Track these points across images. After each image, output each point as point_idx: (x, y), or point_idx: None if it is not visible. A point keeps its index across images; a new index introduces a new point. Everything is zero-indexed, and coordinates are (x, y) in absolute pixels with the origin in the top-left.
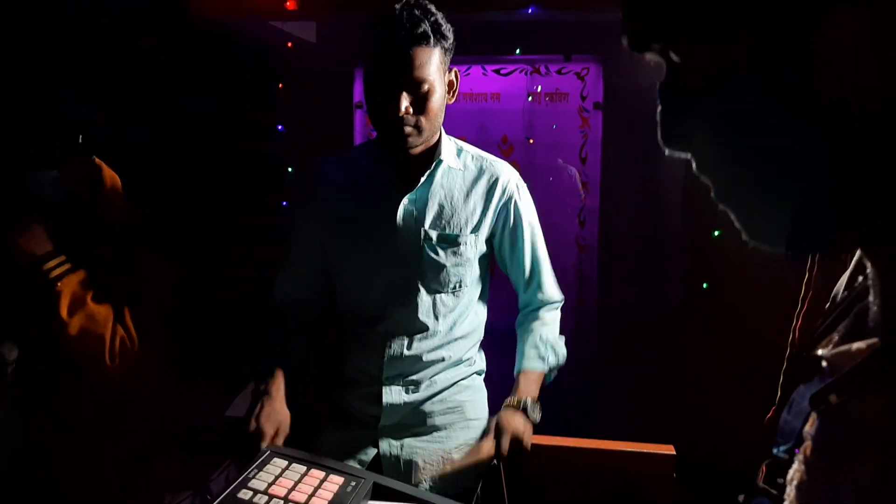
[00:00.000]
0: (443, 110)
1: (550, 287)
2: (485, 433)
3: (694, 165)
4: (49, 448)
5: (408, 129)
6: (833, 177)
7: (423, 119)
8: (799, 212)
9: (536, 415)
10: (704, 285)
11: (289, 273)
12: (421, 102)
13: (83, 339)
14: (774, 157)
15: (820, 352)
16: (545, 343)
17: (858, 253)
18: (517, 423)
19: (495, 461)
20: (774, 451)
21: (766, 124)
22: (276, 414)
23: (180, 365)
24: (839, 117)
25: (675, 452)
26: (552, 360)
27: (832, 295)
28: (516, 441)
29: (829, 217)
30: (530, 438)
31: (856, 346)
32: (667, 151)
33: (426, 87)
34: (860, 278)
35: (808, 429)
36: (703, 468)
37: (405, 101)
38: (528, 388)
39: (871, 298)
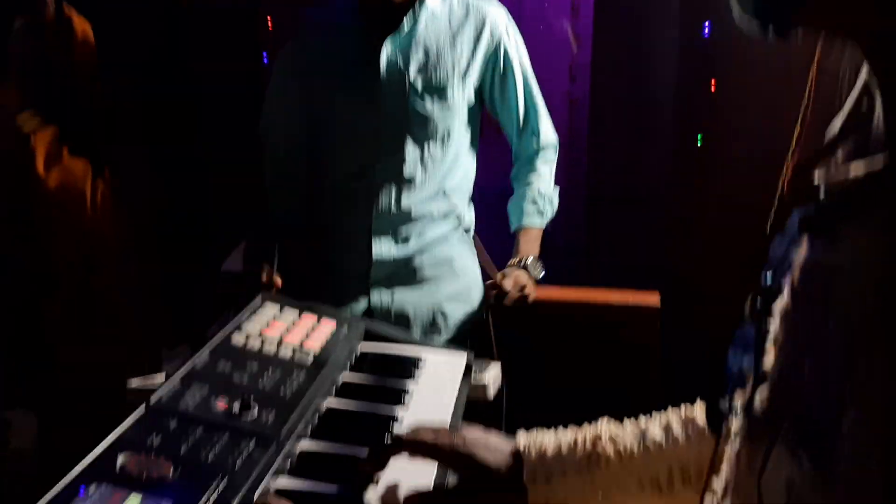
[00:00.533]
0: None
1: (546, 130)
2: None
3: None
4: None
5: None
6: None
7: None
8: None
9: (538, 272)
10: (699, 140)
11: (274, 131)
12: None
13: (62, 194)
14: None
15: (816, 175)
16: (543, 197)
17: (855, 95)
18: (520, 276)
19: (493, 302)
20: (762, 278)
21: None
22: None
23: (170, 226)
24: None
25: (659, 299)
26: (550, 214)
27: (826, 140)
28: (520, 291)
29: None
30: (534, 291)
31: (853, 166)
32: None
33: None
34: (865, 101)
35: (798, 255)
36: (688, 315)
37: None
38: (530, 247)
39: (874, 121)
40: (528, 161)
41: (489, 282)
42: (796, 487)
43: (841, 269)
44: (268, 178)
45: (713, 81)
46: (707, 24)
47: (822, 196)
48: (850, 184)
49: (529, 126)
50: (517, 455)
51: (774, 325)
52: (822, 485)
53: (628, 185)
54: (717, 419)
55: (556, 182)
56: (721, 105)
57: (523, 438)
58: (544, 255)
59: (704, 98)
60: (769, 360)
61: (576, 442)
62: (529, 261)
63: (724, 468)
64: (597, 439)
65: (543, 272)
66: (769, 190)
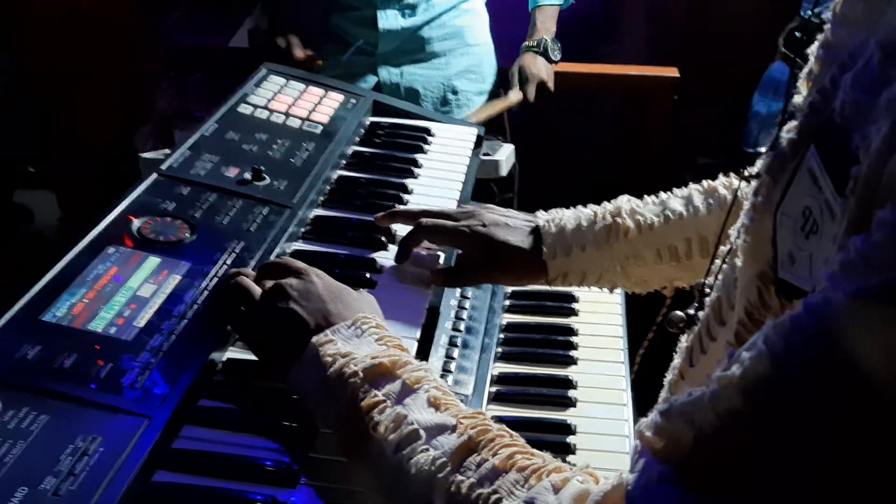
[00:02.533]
0: None
1: None
2: (501, 81)
3: None
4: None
5: None
6: None
7: None
8: None
9: (557, 54)
10: None
11: None
12: None
13: None
14: None
15: None
16: None
17: None
18: (540, 69)
19: (522, 107)
20: (801, 13)
21: None
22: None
23: None
24: None
25: (678, 74)
26: None
27: None
28: (541, 85)
29: None
30: (552, 80)
31: None
32: None
33: None
34: None
35: None
36: (703, 91)
37: None
38: (546, 26)
39: None
40: None
41: (510, 91)
42: (813, 214)
43: None
44: None
45: None
46: None
47: None
48: None
49: None
50: (537, 232)
51: (810, 60)
52: (840, 208)
53: None
54: (739, 164)
55: None
56: None
57: (543, 216)
58: (563, 34)
59: None
60: (800, 98)
61: (595, 216)
62: (547, 44)
63: (741, 212)
64: (616, 213)
65: (561, 54)
66: None
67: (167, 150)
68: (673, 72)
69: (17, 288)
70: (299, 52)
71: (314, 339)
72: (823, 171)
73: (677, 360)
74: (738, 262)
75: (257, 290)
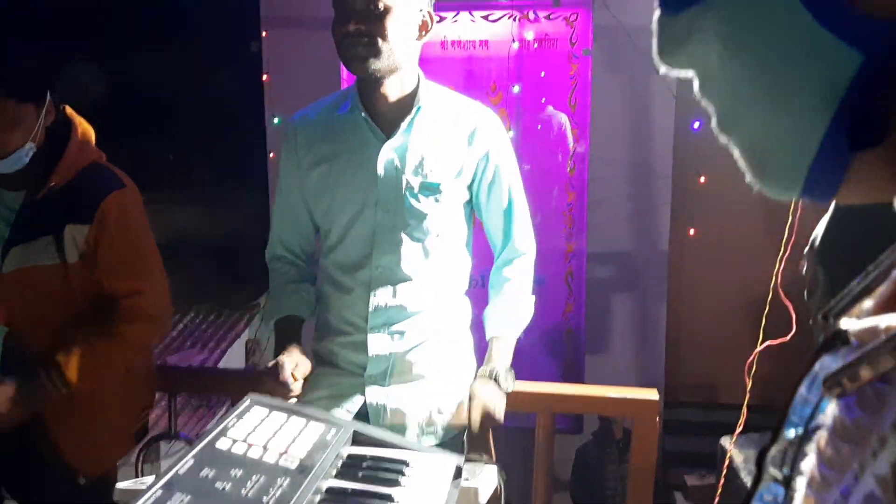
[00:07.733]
0: (409, 42)
1: (523, 240)
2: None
3: (696, 86)
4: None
5: (360, 51)
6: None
7: (379, 41)
8: (824, 142)
9: (510, 384)
10: (690, 232)
11: (279, 231)
12: (375, 21)
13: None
14: (794, 74)
15: (845, 323)
16: (517, 305)
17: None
18: (488, 397)
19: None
20: (787, 432)
21: (785, 33)
22: (293, 355)
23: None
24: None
25: (658, 397)
26: (522, 324)
27: (811, 240)
28: (488, 413)
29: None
30: (503, 410)
31: (886, 320)
32: (662, 70)
33: (382, 5)
34: None
35: (826, 414)
36: (688, 411)
37: (354, 18)
38: (501, 357)
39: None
40: (504, 266)
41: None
42: None
43: (871, 436)
44: (273, 278)
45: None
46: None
47: (854, 343)
48: (879, 334)
49: (509, 234)
50: None
51: (799, 492)
52: None
53: (625, 272)
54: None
55: (557, 271)
56: (713, 199)
57: None
58: (543, 353)
59: (697, 190)
60: None
61: None
62: (500, 373)
63: None
64: None
65: (514, 383)
66: (760, 281)
67: (144, 480)
68: (653, 393)
69: None
70: (291, 383)
71: None
72: None
73: None
74: None
75: None
